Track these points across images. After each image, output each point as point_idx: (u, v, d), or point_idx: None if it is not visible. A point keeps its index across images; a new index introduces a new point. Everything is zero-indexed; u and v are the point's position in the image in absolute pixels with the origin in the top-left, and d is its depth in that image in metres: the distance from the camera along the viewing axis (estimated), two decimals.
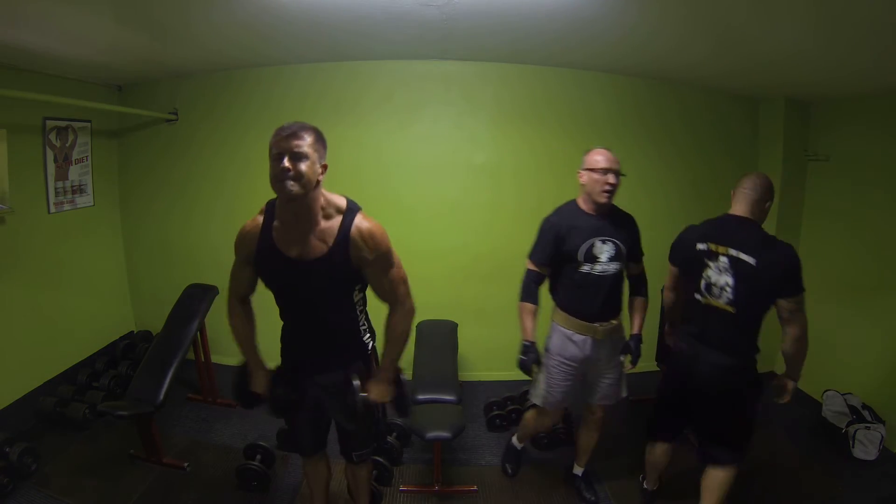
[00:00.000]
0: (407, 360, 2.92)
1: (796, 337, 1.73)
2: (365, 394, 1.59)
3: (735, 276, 1.74)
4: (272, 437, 2.65)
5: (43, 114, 2.96)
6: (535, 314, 2.09)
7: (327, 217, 1.45)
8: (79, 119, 3.22)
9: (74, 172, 3.25)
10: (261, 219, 1.51)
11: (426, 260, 3.30)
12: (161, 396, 2.39)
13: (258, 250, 1.50)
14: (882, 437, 2.67)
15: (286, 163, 1.32)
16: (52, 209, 3.10)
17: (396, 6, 2.12)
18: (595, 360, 2.12)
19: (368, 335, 1.70)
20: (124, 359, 3.36)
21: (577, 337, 2.09)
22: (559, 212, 2.09)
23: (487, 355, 3.62)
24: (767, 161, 3.63)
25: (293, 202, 1.37)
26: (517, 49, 2.90)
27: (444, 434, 2.22)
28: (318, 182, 1.39)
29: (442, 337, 3.04)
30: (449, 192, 3.43)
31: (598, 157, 1.97)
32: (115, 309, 3.72)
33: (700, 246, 1.84)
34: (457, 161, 3.40)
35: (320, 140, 1.41)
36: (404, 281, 1.60)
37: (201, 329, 2.93)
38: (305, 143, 1.35)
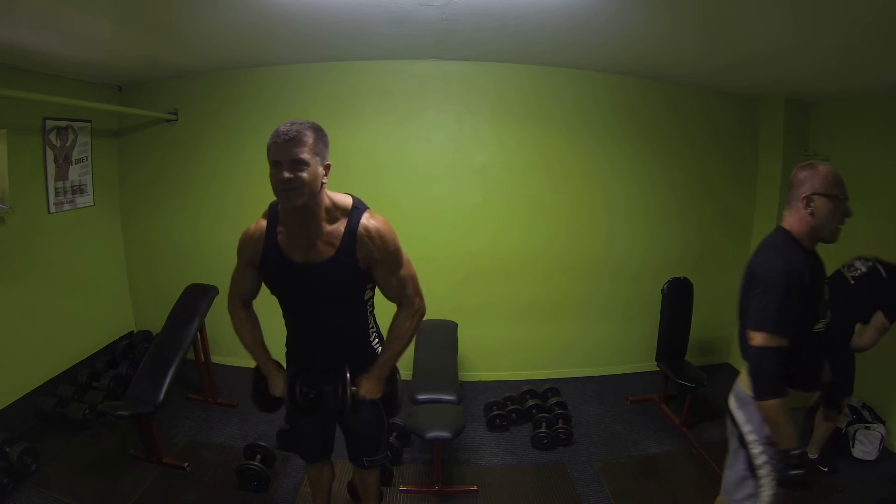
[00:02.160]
0: (407, 360, 2.93)
1: None
2: (354, 388, 1.52)
3: None
4: (272, 437, 2.65)
5: (43, 114, 2.96)
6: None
7: (332, 220, 1.40)
8: (79, 119, 3.22)
9: (74, 172, 3.25)
10: (264, 223, 1.47)
11: (425, 260, 3.26)
12: (161, 396, 2.39)
13: (263, 255, 1.46)
14: (882, 437, 2.67)
15: (286, 173, 1.27)
16: (52, 209, 3.10)
17: (396, 6, 2.12)
18: None
19: (377, 340, 1.65)
20: (124, 359, 3.36)
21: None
22: (786, 252, 1.49)
23: (487, 355, 3.62)
24: (767, 161, 3.63)
25: (297, 210, 1.33)
26: (516, 49, 2.91)
27: (444, 434, 2.22)
28: (321, 185, 1.35)
29: (442, 337, 3.05)
30: (447, 191, 3.43)
31: (840, 178, 1.50)
32: (115, 309, 3.72)
33: None
34: (456, 160, 3.40)
35: (321, 139, 1.34)
36: (413, 279, 1.54)
37: (201, 329, 2.93)
38: (305, 147, 1.28)
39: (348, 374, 1.52)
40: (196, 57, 3.00)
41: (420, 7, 2.13)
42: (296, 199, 1.29)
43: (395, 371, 1.64)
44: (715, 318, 3.81)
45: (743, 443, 1.58)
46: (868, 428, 2.69)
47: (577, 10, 2.05)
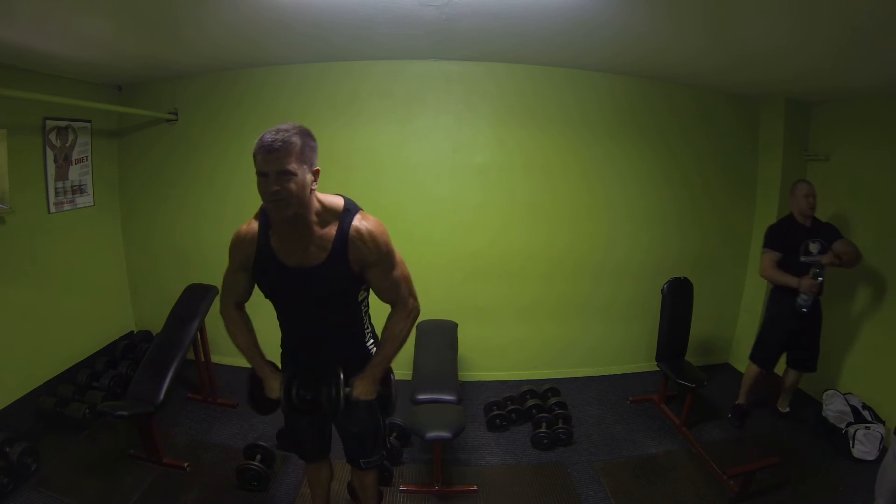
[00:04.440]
0: (407, 360, 2.94)
1: None
2: (348, 389, 1.51)
3: None
4: (272, 437, 2.65)
5: (43, 114, 2.96)
6: None
7: (324, 223, 1.39)
8: (79, 119, 3.22)
9: (74, 172, 3.25)
10: (256, 225, 1.46)
11: (425, 260, 3.31)
12: (161, 396, 2.39)
13: (256, 258, 1.45)
14: (882, 437, 2.66)
15: (274, 185, 1.25)
16: (52, 209, 3.10)
17: (396, 6, 2.12)
18: None
19: (372, 341, 1.66)
20: (124, 359, 3.36)
21: None
22: None
23: (487, 355, 3.62)
24: (767, 161, 3.63)
25: (287, 219, 1.33)
26: (516, 49, 2.90)
27: (444, 434, 2.22)
28: (311, 191, 1.33)
29: (442, 337, 3.04)
30: (448, 191, 3.43)
31: None
32: (115, 309, 3.72)
33: None
34: (456, 160, 3.40)
35: (308, 145, 1.31)
36: (407, 280, 1.54)
37: (201, 329, 2.93)
38: (292, 157, 1.26)
39: (342, 375, 1.51)
40: (196, 56, 2.99)
41: (420, 7, 2.13)
42: (284, 210, 1.29)
43: (389, 372, 1.63)
44: (715, 318, 3.82)
45: None
46: (868, 428, 2.69)
47: (577, 9, 2.05)
